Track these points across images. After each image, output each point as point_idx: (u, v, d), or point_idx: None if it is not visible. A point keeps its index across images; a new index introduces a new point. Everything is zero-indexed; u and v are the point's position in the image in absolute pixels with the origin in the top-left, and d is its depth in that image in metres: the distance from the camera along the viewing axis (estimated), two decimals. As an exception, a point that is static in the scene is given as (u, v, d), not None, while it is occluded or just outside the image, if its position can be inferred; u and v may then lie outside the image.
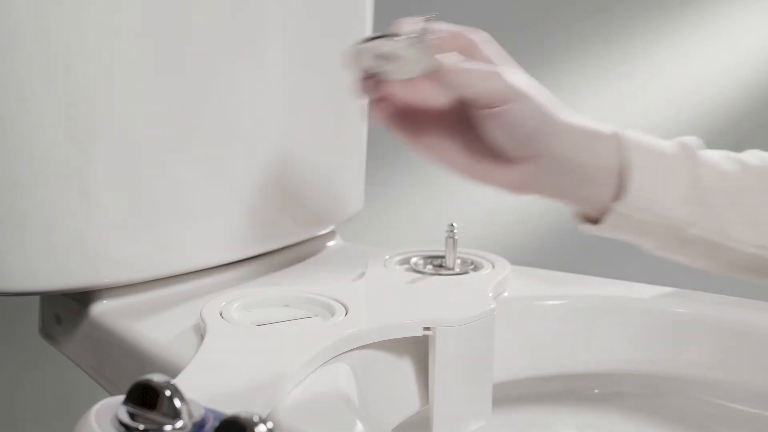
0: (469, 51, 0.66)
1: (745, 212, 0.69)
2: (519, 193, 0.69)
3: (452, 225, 0.73)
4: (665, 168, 0.68)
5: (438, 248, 0.76)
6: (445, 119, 0.68)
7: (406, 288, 0.69)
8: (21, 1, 0.62)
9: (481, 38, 0.66)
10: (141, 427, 0.42)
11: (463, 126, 0.67)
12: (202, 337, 0.60)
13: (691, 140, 0.70)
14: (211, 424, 0.42)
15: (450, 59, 0.63)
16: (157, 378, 0.43)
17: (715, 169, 0.69)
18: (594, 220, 0.69)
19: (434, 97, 0.67)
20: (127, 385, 0.43)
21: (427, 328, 0.61)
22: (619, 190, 0.67)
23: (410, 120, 0.68)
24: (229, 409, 0.42)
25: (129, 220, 0.69)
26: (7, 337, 1.00)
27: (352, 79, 0.64)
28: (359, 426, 0.51)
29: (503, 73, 0.65)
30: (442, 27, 0.65)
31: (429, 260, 0.75)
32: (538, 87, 0.67)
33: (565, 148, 0.67)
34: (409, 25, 0.63)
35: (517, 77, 0.66)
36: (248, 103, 0.74)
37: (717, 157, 0.70)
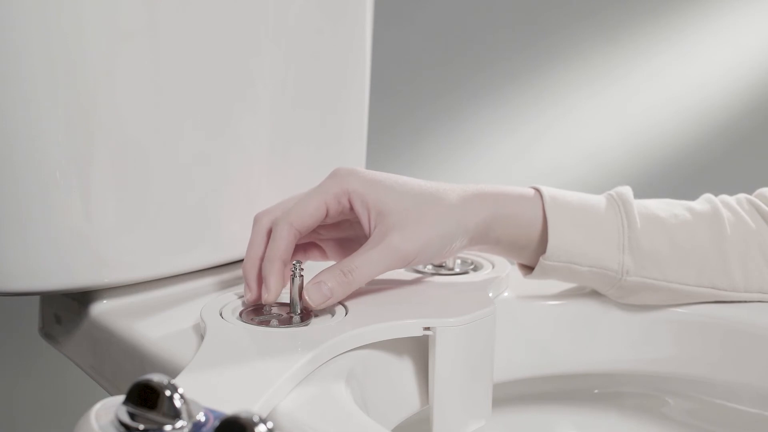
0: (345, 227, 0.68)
1: (687, 256, 0.68)
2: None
3: (452, 225, 0.73)
4: (590, 221, 0.68)
5: (438, 248, 0.76)
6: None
7: (406, 288, 0.69)
8: (21, 1, 0.62)
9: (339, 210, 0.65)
10: (141, 427, 0.42)
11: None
12: (202, 337, 0.60)
13: (624, 190, 0.70)
14: (211, 424, 0.42)
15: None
16: (157, 378, 0.43)
17: (651, 216, 0.69)
18: (530, 268, 0.70)
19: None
20: (127, 385, 0.43)
21: (427, 328, 0.61)
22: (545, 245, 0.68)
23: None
24: (229, 409, 0.42)
25: (129, 220, 0.69)
26: (7, 337, 1.00)
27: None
28: (359, 426, 0.51)
29: (389, 240, 0.62)
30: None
31: (429, 260, 0.75)
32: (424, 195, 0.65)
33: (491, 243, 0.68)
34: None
35: (402, 232, 0.63)
36: (248, 103, 0.74)
37: (654, 204, 0.70)
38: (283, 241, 0.63)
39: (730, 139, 1.48)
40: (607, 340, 0.72)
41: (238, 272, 0.77)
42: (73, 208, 0.66)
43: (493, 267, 0.74)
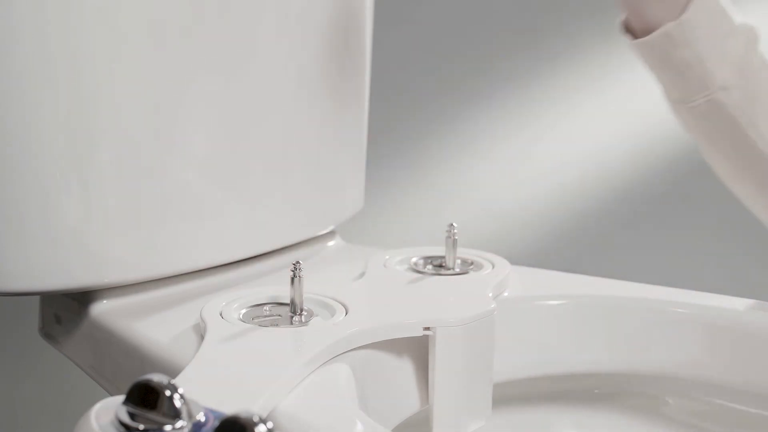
0: None
1: None
2: None
3: (452, 225, 0.73)
4: (727, 25, 0.67)
5: (438, 248, 0.76)
6: None
7: (406, 288, 0.69)
8: (21, 1, 0.62)
9: None
10: (141, 427, 0.42)
11: None
12: (202, 337, 0.60)
13: (760, 30, 0.69)
14: (211, 424, 0.43)
15: None
16: (157, 378, 0.43)
17: (766, 62, 0.68)
18: (636, 36, 0.69)
19: None
20: (127, 385, 0.43)
21: (427, 328, 0.61)
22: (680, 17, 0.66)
23: None
24: (229, 409, 0.42)
25: (129, 220, 0.69)
26: (7, 337, 1.00)
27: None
28: (359, 426, 0.51)
29: None
30: None
31: (429, 260, 0.75)
32: None
33: None
34: None
35: None
36: (248, 104, 0.74)
37: None
38: None
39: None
40: (607, 340, 0.72)
41: (238, 272, 0.77)
42: (72, 209, 0.66)
43: (493, 267, 0.74)
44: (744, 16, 0.71)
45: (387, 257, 0.75)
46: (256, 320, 0.62)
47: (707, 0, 0.67)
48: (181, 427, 0.42)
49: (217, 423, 0.40)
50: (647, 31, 0.68)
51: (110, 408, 0.44)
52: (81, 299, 0.71)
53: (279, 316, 0.63)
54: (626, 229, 1.38)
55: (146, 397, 0.42)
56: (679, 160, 1.55)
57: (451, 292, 0.68)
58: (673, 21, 0.67)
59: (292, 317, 0.62)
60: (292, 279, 0.62)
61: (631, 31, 0.71)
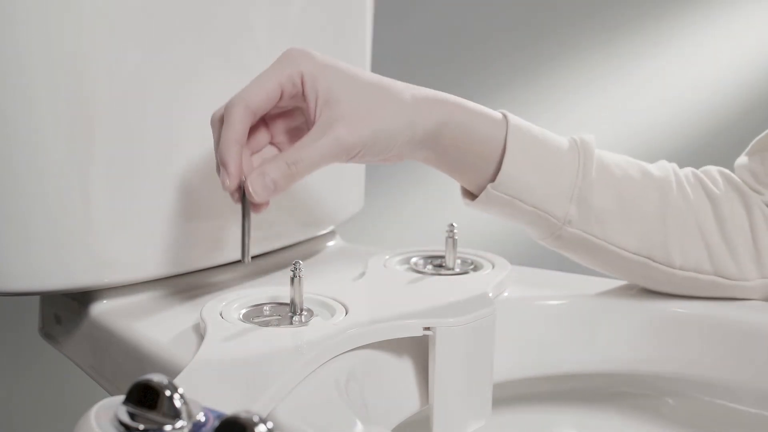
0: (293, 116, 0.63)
1: (631, 220, 0.67)
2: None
3: (452, 225, 0.73)
4: (548, 160, 0.66)
5: (438, 248, 0.76)
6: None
7: (406, 288, 0.69)
8: (22, 1, 0.62)
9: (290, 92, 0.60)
10: (141, 427, 0.42)
11: None
12: (202, 337, 0.60)
13: (588, 138, 0.68)
14: (211, 424, 0.43)
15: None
16: (157, 378, 0.43)
17: (607, 172, 0.67)
18: (474, 196, 0.67)
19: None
20: (127, 385, 0.43)
21: (427, 328, 0.61)
22: (496, 173, 0.65)
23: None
24: (229, 409, 0.42)
25: (129, 220, 0.69)
26: (7, 337, 1.00)
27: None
28: (359, 426, 0.51)
29: (335, 132, 0.59)
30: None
31: (429, 260, 0.75)
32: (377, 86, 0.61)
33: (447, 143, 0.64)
34: None
35: (350, 118, 0.59)
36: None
37: (613, 159, 0.69)
38: (240, 124, 0.58)
39: (730, 138, 1.48)
40: (607, 340, 0.72)
41: (238, 272, 0.77)
42: (73, 209, 0.66)
43: (493, 267, 0.74)
44: (566, 136, 0.69)
45: (387, 257, 0.75)
46: (256, 320, 0.62)
47: (518, 150, 0.65)
48: (181, 427, 0.42)
49: (217, 423, 0.40)
50: (478, 193, 0.67)
51: (110, 408, 0.44)
52: (81, 299, 0.71)
53: (279, 316, 0.63)
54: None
55: (146, 397, 0.42)
56: (679, 160, 1.55)
57: (451, 292, 0.68)
58: (490, 182, 0.65)
59: (292, 317, 0.62)
60: (292, 279, 0.62)
61: (468, 192, 0.68)
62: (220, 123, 0.60)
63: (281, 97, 0.60)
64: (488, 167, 0.65)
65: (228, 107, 0.59)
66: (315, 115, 0.60)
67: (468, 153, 0.65)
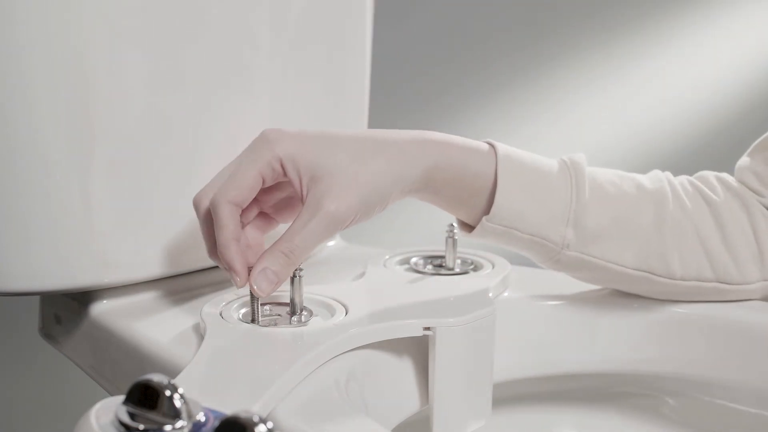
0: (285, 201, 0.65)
1: (628, 237, 0.67)
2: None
3: (452, 225, 0.73)
4: (540, 187, 0.66)
5: (438, 248, 0.76)
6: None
7: (406, 288, 0.69)
8: (22, 1, 0.62)
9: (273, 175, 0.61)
10: (141, 427, 0.42)
11: None
12: (202, 337, 0.60)
13: (578, 158, 0.68)
14: (211, 424, 0.43)
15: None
16: (157, 378, 0.43)
17: (601, 190, 0.67)
18: (471, 227, 0.68)
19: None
20: (127, 385, 0.43)
21: (427, 328, 0.61)
22: (490, 205, 0.66)
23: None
24: (229, 409, 0.42)
25: (129, 221, 0.69)
26: (7, 337, 1.00)
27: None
28: (359, 426, 0.51)
29: (323, 209, 0.59)
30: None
31: (429, 260, 0.75)
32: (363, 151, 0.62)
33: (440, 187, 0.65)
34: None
35: (338, 192, 0.60)
36: (247, 103, 0.74)
37: (605, 177, 0.69)
38: (230, 222, 0.60)
39: (730, 138, 1.48)
40: (606, 340, 0.72)
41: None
42: (73, 209, 0.66)
43: (493, 267, 0.74)
44: (555, 157, 0.69)
45: (387, 257, 0.75)
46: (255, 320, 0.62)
47: (509, 181, 0.65)
48: (181, 427, 0.42)
49: (217, 423, 0.40)
50: (475, 224, 0.67)
51: (110, 408, 0.44)
52: (81, 299, 0.71)
53: (279, 315, 0.63)
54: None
55: (146, 397, 0.42)
56: (679, 160, 1.55)
57: (451, 292, 0.68)
58: (485, 214, 0.66)
59: (291, 317, 0.62)
60: (292, 279, 0.62)
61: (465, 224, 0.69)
62: (205, 214, 0.61)
63: (264, 183, 0.61)
64: (481, 201, 0.66)
65: (214, 207, 0.60)
66: (303, 193, 0.61)
67: (460, 190, 0.65)
